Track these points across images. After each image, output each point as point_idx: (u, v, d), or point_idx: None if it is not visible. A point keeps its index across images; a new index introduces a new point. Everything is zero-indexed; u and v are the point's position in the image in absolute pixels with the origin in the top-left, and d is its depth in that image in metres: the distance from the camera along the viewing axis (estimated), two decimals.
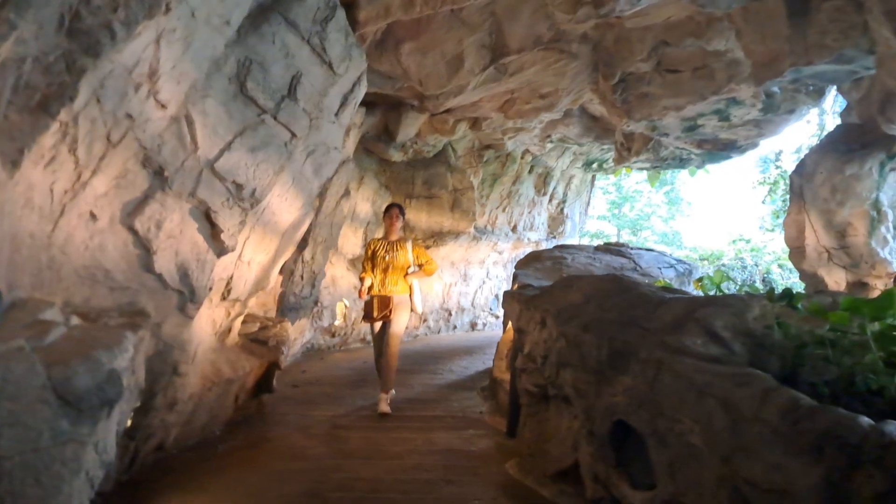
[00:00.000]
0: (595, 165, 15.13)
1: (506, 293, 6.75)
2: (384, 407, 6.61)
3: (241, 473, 4.82)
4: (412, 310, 7.03)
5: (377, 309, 6.80)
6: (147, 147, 4.12)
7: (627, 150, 11.87)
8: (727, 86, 8.86)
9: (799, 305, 3.38)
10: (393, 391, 6.93)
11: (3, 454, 2.53)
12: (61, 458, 2.67)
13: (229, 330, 5.92)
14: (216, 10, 4.24)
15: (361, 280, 7.06)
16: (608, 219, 33.56)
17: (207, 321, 5.32)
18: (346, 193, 9.39)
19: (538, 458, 4.99)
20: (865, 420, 2.41)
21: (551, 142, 13.23)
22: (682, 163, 12.22)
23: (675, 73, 9.30)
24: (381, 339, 6.93)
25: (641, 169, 13.67)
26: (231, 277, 5.35)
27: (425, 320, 13.28)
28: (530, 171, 14.60)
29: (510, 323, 6.49)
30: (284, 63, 4.94)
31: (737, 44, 7.84)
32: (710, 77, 9.01)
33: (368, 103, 9.88)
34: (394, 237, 7.15)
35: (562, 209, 15.93)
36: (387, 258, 6.91)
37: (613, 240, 29.37)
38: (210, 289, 4.88)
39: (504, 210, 14.37)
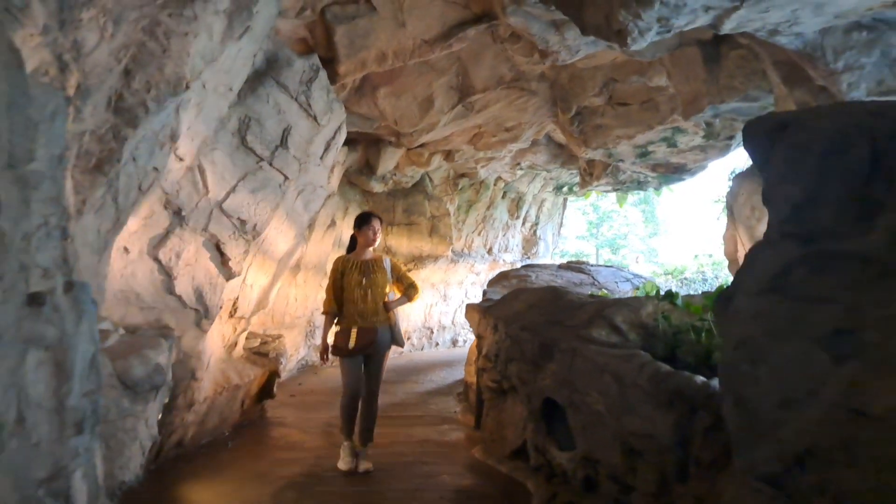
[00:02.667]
0: (565, 189, 16.22)
1: (468, 305, 7.49)
2: (365, 464, 5.41)
3: (249, 462, 5.77)
4: (395, 343, 5.66)
5: (356, 339, 5.32)
6: (168, 192, 5.12)
7: (590, 174, 12.95)
8: (670, 116, 9.94)
9: (678, 302, 4.39)
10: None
11: None
12: (123, 428, 3.64)
13: (235, 343, 6.89)
14: (222, 81, 5.25)
15: (326, 316, 5.60)
16: (587, 238, 34.73)
17: (218, 335, 6.29)
18: (332, 224, 10.39)
19: (497, 442, 5.97)
20: (700, 378, 3.41)
21: (521, 168, 14.30)
22: (640, 185, 13.32)
23: (624, 105, 10.40)
24: (357, 378, 5.42)
25: (604, 192, 14.77)
26: (237, 298, 6.34)
27: (409, 338, 14.24)
28: (503, 197, 15.68)
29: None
30: (277, 118, 5.97)
31: None
32: (655, 109, 10.11)
33: (350, 141, 10.90)
34: (367, 255, 5.57)
35: (535, 231, 17.02)
36: (363, 281, 5.37)
37: (592, 259, 30.51)
38: (220, 307, 5.86)
39: (479, 234, 15.43)
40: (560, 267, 10.65)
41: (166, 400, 4.97)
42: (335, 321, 5.59)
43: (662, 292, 4.54)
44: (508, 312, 5.66)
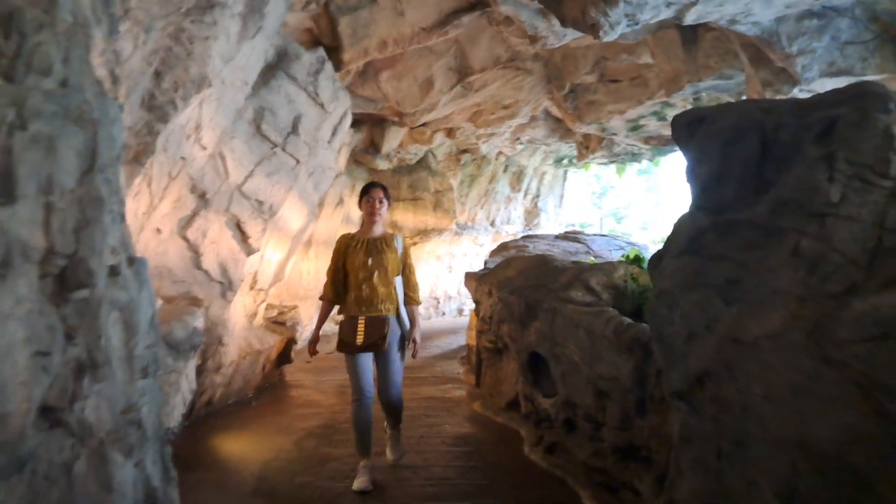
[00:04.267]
0: (565, 161, 16.75)
1: (466, 274, 7.95)
2: (393, 451, 4.95)
3: (272, 417, 6.44)
4: (411, 339, 4.71)
5: (363, 333, 4.46)
6: (194, 178, 5.72)
7: (586, 147, 13.49)
8: (659, 92, 10.44)
9: (644, 266, 4.99)
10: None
11: None
12: (168, 382, 4.28)
13: (256, 313, 7.53)
14: (238, 76, 5.83)
15: (322, 302, 4.80)
16: (591, 209, 35.23)
17: (240, 306, 6.94)
18: (340, 202, 11.00)
19: (495, 396, 6.61)
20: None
21: (521, 143, 14.83)
22: (634, 157, 13.86)
23: (615, 82, 10.90)
24: (368, 379, 4.57)
25: (602, 164, 15.30)
26: (256, 272, 6.98)
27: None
28: (505, 171, 16.24)
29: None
30: (288, 108, 6.54)
31: None
32: (644, 85, 10.60)
33: (356, 122, 11.45)
34: (376, 231, 4.72)
35: (536, 203, 17.60)
36: (369, 262, 4.54)
37: (596, 229, 31.03)
38: (242, 280, 6.49)
39: (482, 207, 16.03)
40: (557, 237, 11.22)
41: (198, 363, 5.63)
42: (337, 310, 4.81)
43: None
44: (501, 278, 6.27)
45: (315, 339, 4.71)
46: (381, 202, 4.71)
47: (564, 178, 18.84)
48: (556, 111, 13.40)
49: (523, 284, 5.67)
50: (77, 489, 2.02)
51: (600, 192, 34.84)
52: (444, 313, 15.79)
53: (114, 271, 2.66)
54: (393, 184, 13.83)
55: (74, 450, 2.06)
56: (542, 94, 11.52)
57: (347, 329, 4.53)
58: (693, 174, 2.88)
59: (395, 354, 4.64)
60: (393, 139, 12.29)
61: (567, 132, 14.32)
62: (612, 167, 20.24)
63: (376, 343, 4.45)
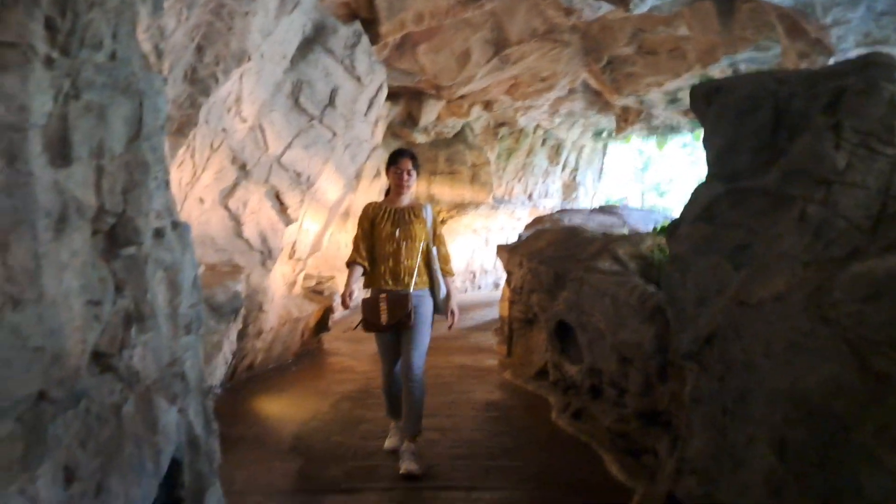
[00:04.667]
0: (604, 134, 16.68)
1: (498, 246, 8.02)
2: (409, 465, 4.23)
3: (310, 382, 6.70)
4: (447, 311, 4.59)
5: (387, 312, 4.27)
6: (235, 150, 5.93)
7: (625, 120, 13.44)
8: (696, 64, 10.36)
9: None
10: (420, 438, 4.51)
11: None
12: (211, 342, 4.52)
13: (295, 282, 7.78)
14: (277, 50, 6.00)
15: (349, 267, 4.49)
16: (633, 183, 34.94)
17: (280, 275, 7.18)
18: (378, 174, 11.18)
19: (525, 365, 6.76)
20: None
21: (560, 116, 14.81)
22: (673, 130, 13.76)
23: (653, 54, 10.84)
24: (393, 358, 4.54)
25: (640, 137, 15.22)
26: (295, 242, 7.21)
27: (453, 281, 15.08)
28: (543, 144, 16.25)
29: None
30: (325, 81, 6.71)
31: None
32: (682, 57, 10.53)
33: (393, 95, 11.58)
34: (404, 201, 4.52)
35: (574, 177, 17.59)
36: (396, 233, 4.35)
37: (637, 203, 30.80)
38: (281, 250, 6.72)
39: (520, 181, 16.08)
40: (593, 211, 11.25)
41: (239, 328, 5.87)
42: (363, 283, 4.63)
43: None
44: (532, 249, 6.39)
45: (349, 292, 4.35)
46: (409, 174, 4.44)
47: (604, 152, 18.77)
48: (594, 84, 13.36)
49: (553, 255, 5.79)
50: (126, 428, 2.22)
51: (642, 166, 34.50)
52: (479, 287, 15.95)
53: (159, 233, 2.85)
54: (430, 157, 13.96)
55: (123, 393, 2.26)
56: (579, 66, 11.51)
57: (371, 309, 4.29)
58: (709, 143, 2.97)
59: (421, 331, 4.37)
60: (430, 112, 12.40)
61: (606, 105, 14.26)
62: (654, 140, 20.09)
63: (402, 321, 4.24)
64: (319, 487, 4.10)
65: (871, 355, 1.76)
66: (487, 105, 13.15)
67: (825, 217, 2.36)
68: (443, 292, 4.53)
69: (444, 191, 14.26)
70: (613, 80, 11.22)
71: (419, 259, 4.40)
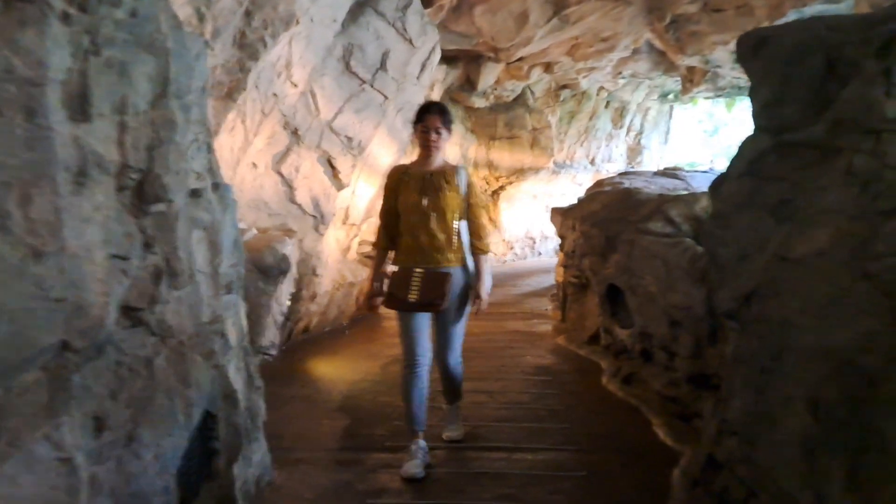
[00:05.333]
0: (670, 96, 16.20)
1: (552, 209, 7.92)
2: (452, 432, 4.18)
3: (363, 345, 6.78)
4: (476, 294, 3.85)
5: (418, 289, 3.64)
6: (286, 115, 5.98)
7: (690, 81, 13.02)
8: (765, 21, 9.91)
9: None
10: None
11: None
12: (259, 304, 4.61)
13: (349, 248, 7.86)
14: (327, 14, 5.99)
15: (375, 249, 4.08)
16: (702, 147, 33.94)
17: (333, 240, 7.26)
18: None
19: (578, 331, 6.69)
20: None
21: (623, 77, 14.43)
22: (740, 91, 13.25)
23: (719, 11, 10.41)
24: (422, 342, 3.78)
25: (707, 98, 14.72)
26: (348, 207, 7.26)
27: (512, 247, 15.00)
28: (606, 106, 15.89)
29: None
30: (376, 44, 6.68)
31: None
32: (750, 13, 10.07)
33: (451, 58, 11.48)
34: (433, 164, 3.78)
35: (639, 140, 17.17)
36: (423, 203, 3.69)
37: (706, 167, 29.95)
38: (333, 215, 6.78)
39: (582, 145, 15.79)
40: (655, 174, 10.95)
41: (293, 290, 5.97)
42: (390, 259, 3.98)
43: None
44: (585, 212, 6.28)
45: (371, 291, 3.87)
46: (437, 132, 3.72)
47: (670, 115, 18.25)
48: (658, 43, 12.95)
49: (605, 217, 5.67)
50: (157, 380, 2.28)
51: (712, 129, 33.46)
52: (539, 253, 15.82)
53: (196, 193, 2.90)
54: (489, 122, 13.83)
55: (155, 347, 2.32)
56: (642, 25, 11.15)
57: (400, 282, 3.67)
58: (755, 95, 2.84)
59: (457, 315, 3.81)
60: (489, 75, 12.24)
61: (671, 65, 13.82)
62: (722, 102, 19.41)
63: (434, 302, 3.60)
64: (364, 445, 4.16)
65: None
66: (548, 67, 12.89)
67: (873, 168, 2.22)
68: (471, 270, 3.84)
69: (504, 156, 14.13)
70: (677, 39, 10.84)
71: (453, 233, 3.74)
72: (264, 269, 4.60)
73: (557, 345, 6.71)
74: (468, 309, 3.89)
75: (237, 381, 3.19)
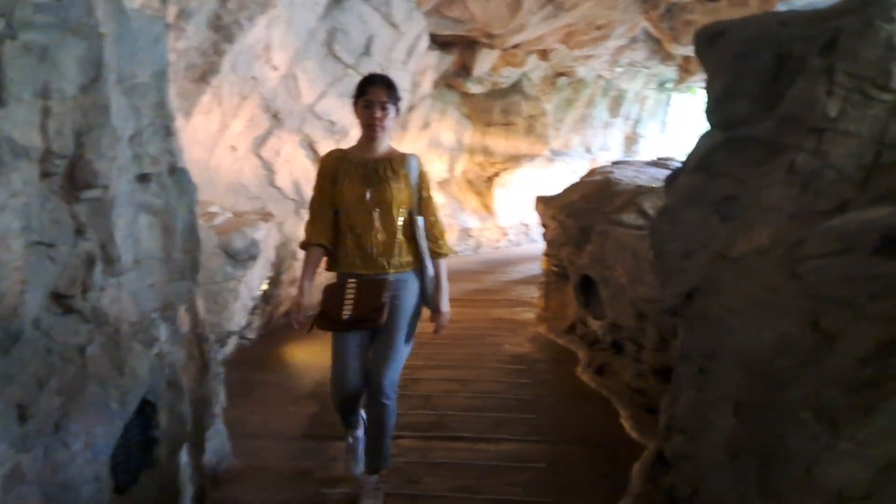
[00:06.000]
0: (668, 85, 16.07)
1: (536, 198, 7.76)
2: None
3: None
4: (435, 307, 3.26)
5: (355, 301, 2.99)
6: (267, 98, 5.94)
7: (686, 70, 12.91)
8: (758, 11, 9.82)
9: None
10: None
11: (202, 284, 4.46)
12: (227, 288, 4.60)
13: None
14: None
15: (306, 251, 3.22)
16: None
17: None
18: (427, 125, 11.08)
19: (559, 320, 6.67)
20: None
21: (620, 66, 14.32)
22: None
23: (714, 1, 10.30)
24: (354, 366, 3.11)
25: (704, 88, 14.59)
26: None
27: (506, 234, 14.94)
28: (604, 95, 15.76)
29: None
30: (361, 28, 6.62)
31: None
32: (744, 4, 9.95)
33: (447, 44, 11.40)
34: (378, 150, 3.16)
35: (636, 129, 17.05)
36: (367, 196, 3.07)
37: None
38: None
39: (578, 133, 15.69)
40: (647, 163, 10.89)
41: (271, 275, 5.95)
42: (329, 262, 3.24)
43: None
44: (565, 202, 6.24)
45: (301, 303, 3.15)
46: (383, 108, 3.06)
47: (668, 104, 18.11)
48: (654, 32, 12.85)
49: (582, 208, 5.64)
50: (90, 368, 2.27)
51: None
52: (534, 240, 15.78)
53: (145, 178, 2.88)
54: (485, 108, 13.76)
55: (90, 335, 2.30)
56: (637, 13, 11.04)
57: (333, 296, 3.05)
58: (709, 89, 2.80)
59: (399, 331, 3.07)
60: (484, 62, 12.16)
61: (668, 55, 13.70)
62: None
63: (369, 316, 2.94)
64: (327, 433, 4.15)
65: (822, 314, 1.63)
66: (544, 54, 12.79)
67: (815, 168, 2.19)
68: (429, 277, 3.19)
69: (499, 142, 14.07)
70: (672, 28, 10.74)
71: (400, 232, 3.11)
72: (233, 253, 4.59)
73: (538, 333, 6.68)
74: (415, 327, 3.18)
75: (188, 368, 3.18)
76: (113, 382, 2.35)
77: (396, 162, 3.15)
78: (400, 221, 3.12)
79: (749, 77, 2.59)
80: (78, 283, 2.21)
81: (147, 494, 2.65)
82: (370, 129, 3.11)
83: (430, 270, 3.20)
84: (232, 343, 5.50)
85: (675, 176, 2.96)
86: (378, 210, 3.07)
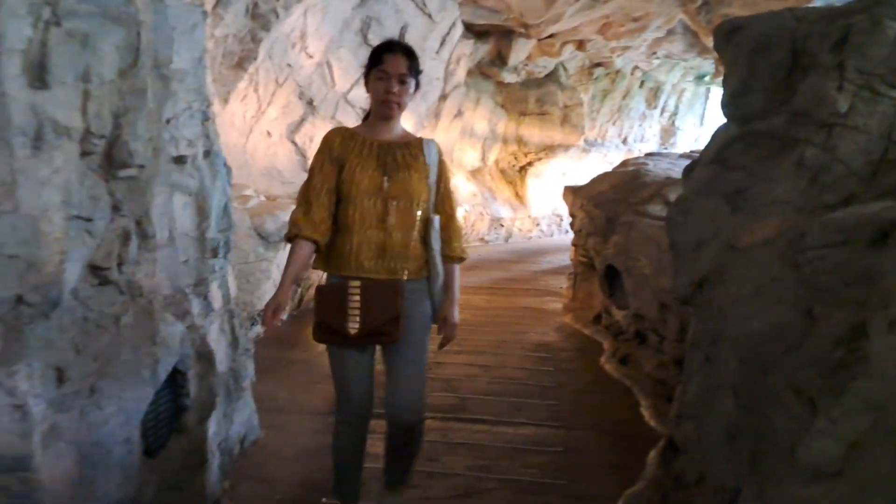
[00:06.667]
0: (706, 78, 15.93)
1: (564, 187, 7.75)
2: None
3: None
4: (443, 318, 2.68)
5: (360, 311, 2.49)
6: (301, 85, 6.08)
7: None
8: (795, 5, 9.69)
9: None
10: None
11: (236, 263, 4.61)
12: (259, 269, 4.74)
13: None
14: None
15: (293, 243, 2.59)
16: None
17: None
18: (459, 114, 11.15)
19: (585, 310, 6.72)
20: None
21: (658, 58, 14.24)
22: None
23: None
24: (362, 384, 2.66)
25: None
26: None
27: (538, 224, 14.97)
28: (641, 86, 15.69)
29: None
30: (395, 17, 6.72)
31: None
32: None
33: (482, 33, 11.45)
34: (394, 131, 2.66)
35: (673, 122, 16.94)
36: (384, 184, 2.55)
37: None
38: None
39: (614, 124, 15.65)
40: (681, 155, 10.84)
41: None
42: (320, 259, 2.68)
43: None
44: (593, 193, 6.28)
45: (279, 304, 2.50)
46: (402, 82, 2.53)
47: (707, 97, 17.94)
48: (691, 24, 12.74)
49: (609, 198, 5.69)
50: (124, 337, 2.41)
51: None
52: (566, 231, 15.78)
53: (181, 160, 3.01)
54: (520, 97, 13.78)
55: (124, 305, 2.44)
56: (673, 6, 10.98)
57: (332, 302, 2.53)
58: (726, 83, 2.85)
59: (421, 345, 2.62)
60: (520, 51, 12.19)
61: (706, 48, 13.58)
62: None
63: (383, 330, 2.48)
64: None
65: (816, 302, 1.70)
66: (580, 45, 12.78)
67: (823, 162, 2.24)
68: (438, 284, 2.65)
69: (534, 132, 14.10)
70: (709, 21, 10.65)
71: (416, 231, 2.59)
72: (265, 235, 4.75)
73: (564, 323, 6.75)
74: (427, 339, 2.65)
75: (219, 342, 3.32)
76: (145, 351, 2.49)
77: (415, 147, 2.63)
78: (419, 217, 2.58)
79: (764, 72, 2.63)
80: (114, 257, 2.35)
81: (176, 459, 2.80)
82: (385, 106, 2.54)
83: (440, 275, 2.64)
84: (260, 322, 5.67)
85: (692, 168, 3.01)
86: (396, 202, 2.53)
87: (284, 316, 2.44)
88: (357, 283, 2.49)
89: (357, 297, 2.48)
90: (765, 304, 1.94)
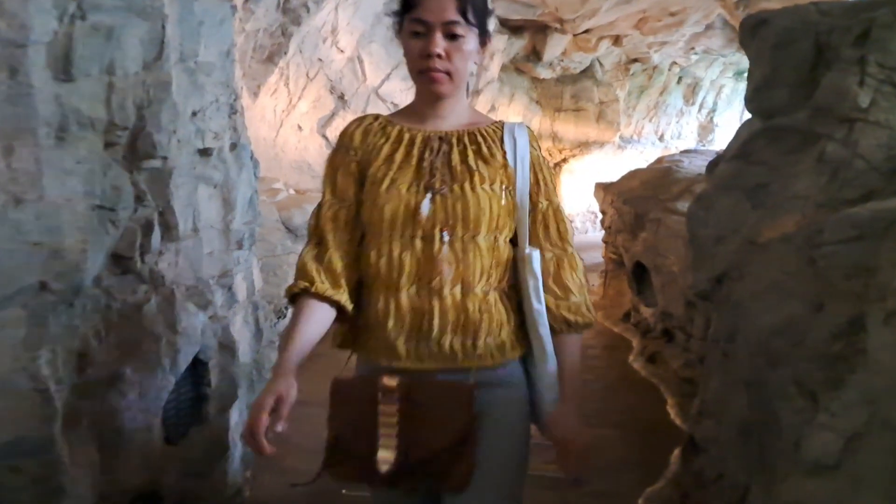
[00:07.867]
0: (746, 75, 15.64)
1: (595, 184, 7.79)
2: None
3: None
4: (557, 429, 1.62)
5: (399, 435, 1.43)
6: (332, 80, 6.12)
7: None
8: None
9: None
10: None
11: (263, 256, 4.67)
12: (287, 262, 4.79)
13: None
14: None
15: (296, 303, 1.55)
16: None
17: None
18: (492, 108, 11.13)
19: (615, 307, 6.68)
20: None
21: (696, 53, 14.05)
22: None
23: None
24: None
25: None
26: None
27: (572, 222, 14.88)
28: (678, 82, 15.48)
29: None
30: None
31: None
32: None
33: (517, 28, 11.42)
34: (444, 116, 1.59)
35: (711, 118, 16.67)
36: (426, 203, 1.45)
37: None
38: None
39: (651, 120, 15.47)
40: (718, 153, 10.72)
41: None
42: (344, 331, 1.74)
43: None
44: (623, 189, 6.24)
45: (283, 398, 1.46)
46: (452, 37, 1.47)
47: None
48: (730, 19, 12.53)
49: (639, 195, 5.64)
50: (146, 325, 2.46)
51: None
52: (601, 228, 15.71)
53: (206, 152, 3.06)
54: (556, 93, 13.71)
55: (147, 294, 2.50)
56: (712, 0, 10.81)
57: (354, 414, 1.57)
58: (750, 78, 2.82)
59: (505, 490, 1.54)
60: (555, 47, 12.12)
61: None
62: None
63: (439, 469, 1.48)
64: None
65: (827, 297, 1.68)
66: (616, 40, 12.66)
67: (844, 157, 2.20)
68: (547, 372, 1.62)
69: (569, 128, 14.01)
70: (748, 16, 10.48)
71: (493, 280, 1.53)
72: (292, 228, 4.80)
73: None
74: (526, 469, 1.63)
75: (243, 333, 3.37)
76: (167, 340, 2.54)
77: (490, 138, 1.60)
78: (496, 257, 1.53)
79: (788, 66, 2.59)
80: (136, 247, 2.41)
81: (196, 448, 2.85)
82: (426, 77, 1.54)
83: (551, 358, 1.60)
84: (290, 315, 5.73)
85: (717, 163, 2.98)
86: (448, 235, 1.48)
87: (279, 428, 1.42)
88: (394, 381, 1.47)
89: (393, 408, 1.47)
90: (778, 299, 1.92)
